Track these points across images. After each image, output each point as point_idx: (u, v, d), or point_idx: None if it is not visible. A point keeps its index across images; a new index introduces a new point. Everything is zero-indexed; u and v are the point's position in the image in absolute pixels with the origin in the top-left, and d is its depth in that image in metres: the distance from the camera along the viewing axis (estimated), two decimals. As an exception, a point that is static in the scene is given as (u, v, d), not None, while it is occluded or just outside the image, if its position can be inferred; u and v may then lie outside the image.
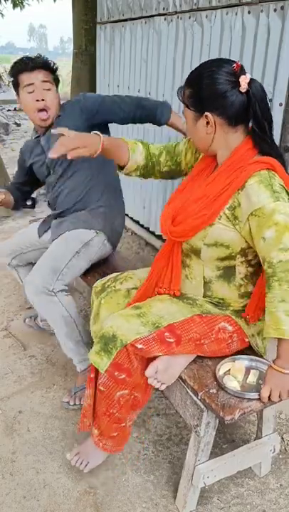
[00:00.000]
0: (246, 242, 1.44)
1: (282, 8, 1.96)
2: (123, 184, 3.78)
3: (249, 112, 1.39)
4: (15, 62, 2.03)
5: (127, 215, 3.67)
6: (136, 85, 3.23)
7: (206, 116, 1.40)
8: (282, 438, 1.91)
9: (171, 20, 2.72)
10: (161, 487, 1.69)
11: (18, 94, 2.06)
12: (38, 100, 1.98)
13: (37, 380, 2.21)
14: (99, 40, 3.72)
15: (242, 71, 1.38)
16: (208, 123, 1.41)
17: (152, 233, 3.32)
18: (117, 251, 2.52)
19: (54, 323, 1.99)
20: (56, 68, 2.06)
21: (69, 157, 1.47)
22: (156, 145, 1.75)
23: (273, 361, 1.41)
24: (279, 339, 1.36)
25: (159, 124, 2.13)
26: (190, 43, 2.57)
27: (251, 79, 1.37)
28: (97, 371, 1.55)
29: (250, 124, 1.44)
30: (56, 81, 2.07)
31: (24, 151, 2.27)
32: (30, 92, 1.99)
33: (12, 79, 2.05)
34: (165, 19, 2.78)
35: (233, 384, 1.44)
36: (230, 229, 1.44)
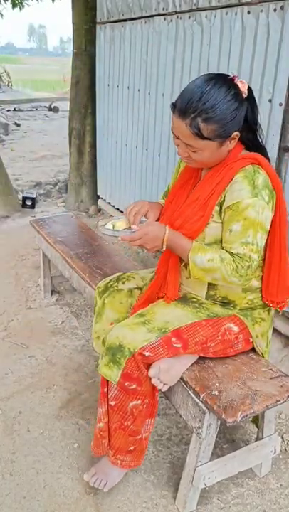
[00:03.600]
0: None
1: (282, 8, 1.96)
2: (123, 184, 3.78)
3: (248, 116, 1.42)
4: None
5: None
6: (136, 85, 3.23)
7: (233, 136, 1.39)
8: (282, 438, 1.91)
9: (171, 21, 2.71)
10: (162, 487, 1.69)
11: None
12: None
13: (37, 381, 2.21)
14: (99, 40, 3.72)
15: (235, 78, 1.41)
16: (234, 139, 1.41)
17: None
18: (118, 251, 2.52)
19: None
20: None
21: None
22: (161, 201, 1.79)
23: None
24: (188, 248, 1.46)
25: None
26: (190, 43, 2.57)
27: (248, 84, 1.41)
28: (108, 385, 1.54)
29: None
30: None
31: None
32: None
33: None
34: (165, 19, 2.78)
35: (109, 226, 1.52)
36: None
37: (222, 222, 1.46)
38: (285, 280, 1.54)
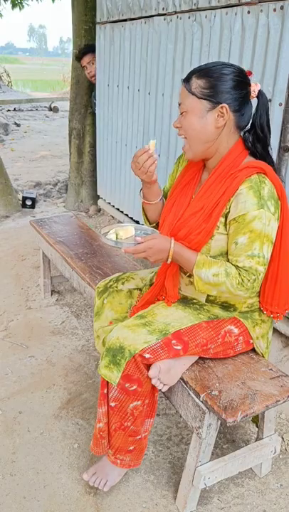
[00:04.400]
0: None
1: (281, 8, 1.96)
2: (123, 184, 3.78)
3: (255, 118, 1.45)
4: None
5: (127, 215, 3.68)
6: (135, 85, 3.23)
7: (222, 107, 1.39)
8: (283, 438, 1.91)
9: (171, 20, 2.71)
10: (162, 487, 1.69)
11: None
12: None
13: (37, 381, 2.21)
14: (98, 40, 3.72)
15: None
16: (222, 116, 1.40)
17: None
18: (118, 251, 2.52)
19: None
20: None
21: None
22: None
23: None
24: (193, 261, 1.46)
25: None
26: (189, 43, 2.57)
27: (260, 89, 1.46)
28: (108, 386, 1.54)
29: (243, 132, 1.49)
30: None
31: None
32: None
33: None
34: (165, 19, 2.78)
35: (111, 236, 1.50)
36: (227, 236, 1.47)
37: (227, 234, 1.44)
38: (280, 294, 1.53)
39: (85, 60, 3.78)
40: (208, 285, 1.43)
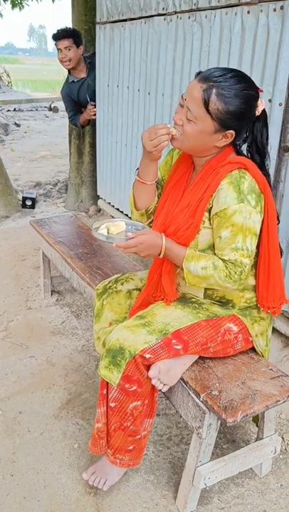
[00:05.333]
0: None
1: (281, 8, 1.96)
2: (123, 184, 3.77)
3: (255, 134, 1.48)
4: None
5: (127, 215, 3.68)
6: (135, 85, 3.23)
7: (228, 133, 1.42)
8: (283, 438, 1.91)
9: (171, 20, 2.71)
10: (162, 487, 1.69)
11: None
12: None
13: (37, 381, 2.21)
14: (98, 40, 3.72)
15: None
16: (226, 138, 1.43)
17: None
18: (118, 251, 2.52)
19: None
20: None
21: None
22: None
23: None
24: (182, 256, 1.48)
25: None
26: (189, 43, 2.57)
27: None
28: (107, 387, 1.54)
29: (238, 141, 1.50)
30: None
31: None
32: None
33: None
34: (164, 19, 2.78)
35: (102, 231, 1.51)
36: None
37: (212, 228, 1.48)
38: (274, 287, 1.54)
39: (63, 43, 3.52)
40: (197, 278, 1.47)
